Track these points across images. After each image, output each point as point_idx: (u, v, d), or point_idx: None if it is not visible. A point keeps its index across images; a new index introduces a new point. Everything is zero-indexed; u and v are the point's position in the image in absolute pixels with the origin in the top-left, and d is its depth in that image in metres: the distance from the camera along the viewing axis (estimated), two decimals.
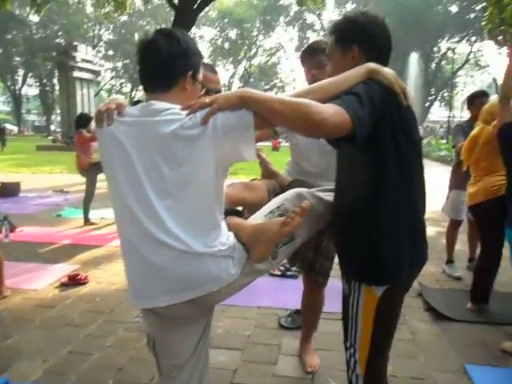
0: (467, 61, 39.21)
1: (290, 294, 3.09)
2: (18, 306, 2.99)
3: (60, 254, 4.11)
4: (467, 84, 45.30)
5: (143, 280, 1.14)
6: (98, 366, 2.25)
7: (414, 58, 34.28)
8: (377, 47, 1.30)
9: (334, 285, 2.35)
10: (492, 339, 2.56)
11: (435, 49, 38.98)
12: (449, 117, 29.51)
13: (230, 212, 1.30)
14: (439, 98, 41.54)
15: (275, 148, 20.05)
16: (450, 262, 3.80)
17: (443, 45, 38.29)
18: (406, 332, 2.64)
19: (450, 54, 33.54)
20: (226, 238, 1.16)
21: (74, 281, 3.35)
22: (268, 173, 1.83)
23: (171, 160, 1.07)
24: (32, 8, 13.64)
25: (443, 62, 39.38)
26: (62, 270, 3.68)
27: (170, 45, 1.14)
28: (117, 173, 1.13)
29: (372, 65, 1.20)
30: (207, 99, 1.08)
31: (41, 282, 3.43)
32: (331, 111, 1.04)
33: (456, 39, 36.64)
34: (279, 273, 3.61)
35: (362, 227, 1.25)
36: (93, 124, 6.14)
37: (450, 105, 32.49)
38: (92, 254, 4.19)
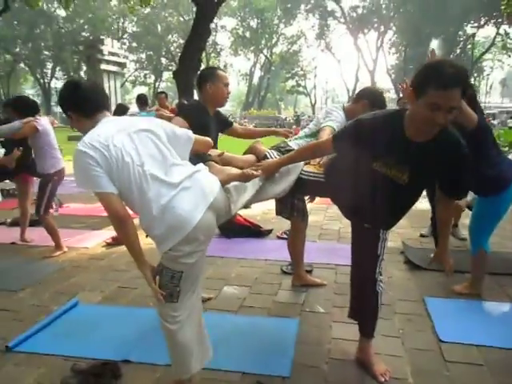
0: (493, 44, 38.34)
1: None
2: (75, 259, 3.77)
3: (103, 223, 4.86)
4: (494, 68, 44.42)
5: (190, 207, 1.64)
6: (141, 295, 2.98)
7: (437, 43, 33.83)
8: None
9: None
10: (452, 283, 3.13)
11: (460, 32, 38.26)
12: None
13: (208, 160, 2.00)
14: None
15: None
16: (455, 226, 4.36)
17: (469, 28, 37.53)
18: (384, 276, 3.25)
19: (475, 37, 32.89)
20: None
21: (117, 241, 4.09)
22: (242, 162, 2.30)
23: (154, 144, 1.73)
24: (60, 3, 14.49)
25: (469, 47, 38.62)
26: (106, 234, 4.45)
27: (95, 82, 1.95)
28: (129, 159, 1.65)
29: None
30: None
31: (90, 242, 4.22)
32: None
33: (482, 22, 35.84)
34: (286, 236, 4.28)
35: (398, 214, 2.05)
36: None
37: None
38: None
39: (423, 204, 5.55)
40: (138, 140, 1.69)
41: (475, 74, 39.86)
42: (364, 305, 2.17)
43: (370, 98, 2.74)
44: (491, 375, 2.09)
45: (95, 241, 4.25)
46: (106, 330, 2.51)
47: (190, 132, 1.91)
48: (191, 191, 1.68)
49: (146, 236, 1.77)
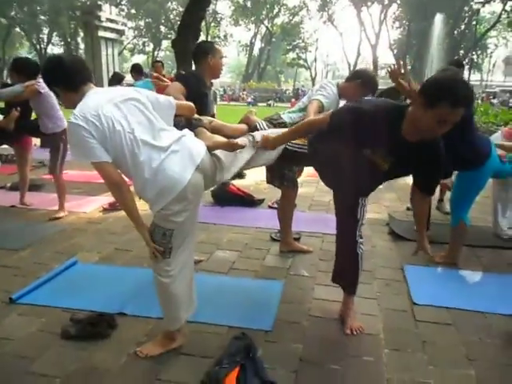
0: (498, 21, 37.59)
1: None
2: (74, 222, 3.92)
3: (100, 189, 4.97)
4: (499, 46, 43.70)
5: (180, 168, 1.77)
6: (137, 257, 3.14)
7: (441, 18, 33.18)
8: None
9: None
10: (432, 253, 3.29)
11: (466, 8, 37.42)
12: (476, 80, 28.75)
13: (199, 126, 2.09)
14: (466, 60, 40.21)
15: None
16: (440, 200, 4.54)
17: (474, 4, 36.61)
18: (368, 246, 3.43)
19: (481, 13, 32.13)
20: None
21: (113, 207, 4.23)
22: (232, 131, 2.37)
23: (140, 112, 1.83)
24: None
25: (473, 23, 37.81)
26: (103, 200, 4.58)
27: (76, 56, 1.98)
28: (119, 127, 1.75)
29: None
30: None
31: (88, 207, 4.36)
32: None
33: None
34: (277, 206, 4.42)
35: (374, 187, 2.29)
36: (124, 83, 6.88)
37: (477, 68, 31.51)
38: None
39: (411, 179, 5.74)
40: (125, 109, 1.80)
41: (479, 51, 39.31)
42: (347, 265, 2.34)
43: (362, 79, 2.89)
44: (457, 333, 2.28)
45: (93, 206, 4.40)
46: (102, 286, 2.68)
47: (171, 98, 2.02)
48: (180, 154, 1.82)
49: (139, 198, 1.90)
